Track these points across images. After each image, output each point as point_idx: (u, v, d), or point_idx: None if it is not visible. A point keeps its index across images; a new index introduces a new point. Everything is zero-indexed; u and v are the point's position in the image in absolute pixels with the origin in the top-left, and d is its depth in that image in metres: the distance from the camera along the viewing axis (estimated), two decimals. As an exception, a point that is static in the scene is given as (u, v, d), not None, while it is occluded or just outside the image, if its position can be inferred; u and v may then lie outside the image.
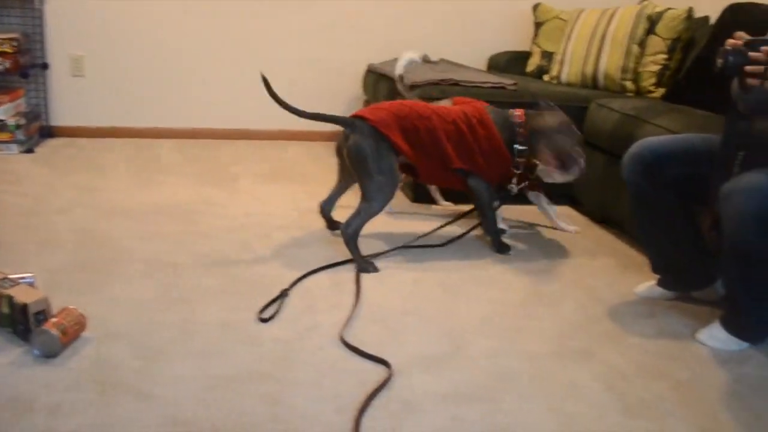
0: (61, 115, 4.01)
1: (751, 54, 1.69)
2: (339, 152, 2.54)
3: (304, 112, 2.34)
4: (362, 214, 2.38)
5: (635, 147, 2.11)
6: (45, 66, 3.90)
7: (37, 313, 1.74)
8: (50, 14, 3.84)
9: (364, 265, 2.34)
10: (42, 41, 3.86)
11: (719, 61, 1.73)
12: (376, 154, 2.36)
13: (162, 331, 1.84)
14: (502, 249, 2.59)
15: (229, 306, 2.01)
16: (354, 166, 2.40)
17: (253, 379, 1.64)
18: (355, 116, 2.43)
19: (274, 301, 2.06)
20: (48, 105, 3.95)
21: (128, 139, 4.08)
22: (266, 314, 1.97)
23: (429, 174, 2.55)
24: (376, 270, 2.34)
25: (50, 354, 1.67)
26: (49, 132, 3.97)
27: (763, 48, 1.68)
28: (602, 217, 3.04)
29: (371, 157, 2.36)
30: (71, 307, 1.77)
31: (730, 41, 1.76)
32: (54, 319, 1.70)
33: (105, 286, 2.09)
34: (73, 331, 1.72)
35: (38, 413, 1.45)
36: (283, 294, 2.10)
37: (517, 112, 2.59)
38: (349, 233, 2.37)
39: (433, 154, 2.46)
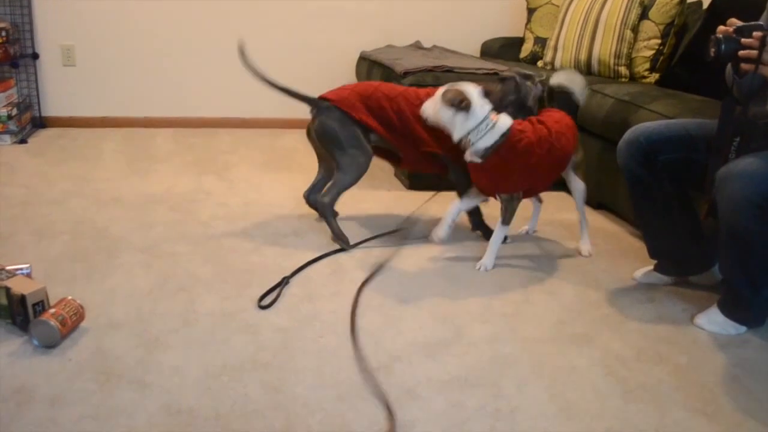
0: (52, 105, 3.98)
1: (743, 40, 1.69)
2: (309, 134, 2.56)
3: (275, 83, 2.38)
4: (338, 185, 2.43)
5: (630, 133, 2.12)
6: (35, 56, 3.86)
7: (36, 304, 1.74)
8: (39, 3, 3.80)
9: (339, 235, 2.42)
10: (31, 31, 3.82)
11: (712, 50, 1.74)
12: (343, 130, 2.40)
13: (162, 320, 1.83)
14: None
15: (229, 295, 2.00)
16: (324, 145, 2.43)
17: (254, 368, 1.64)
18: (320, 97, 2.46)
19: (274, 288, 2.06)
20: (39, 95, 3.92)
21: (121, 128, 4.05)
22: (266, 301, 1.97)
23: (409, 159, 2.53)
24: (348, 245, 2.41)
25: (50, 345, 1.66)
26: (41, 122, 3.94)
27: (756, 33, 1.69)
28: (599, 203, 3.05)
29: (339, 133, 2.40)
30: (69, 297, 1.76)
31: (721, 28, 1.76)
32: (52, 310, 1.69)
33: (103, 276, 2.08)
34: (72, 322, 1.71)
35: (39, 403, 1.45)
36: (284, 281, 2.10)
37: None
38: (326, 202, 2.43)
39: (407, 136, 2.45)
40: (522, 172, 2.26)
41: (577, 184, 2.48)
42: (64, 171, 3.13)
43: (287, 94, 2.43)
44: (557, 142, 2.31)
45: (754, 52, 1.68)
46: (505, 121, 2.21)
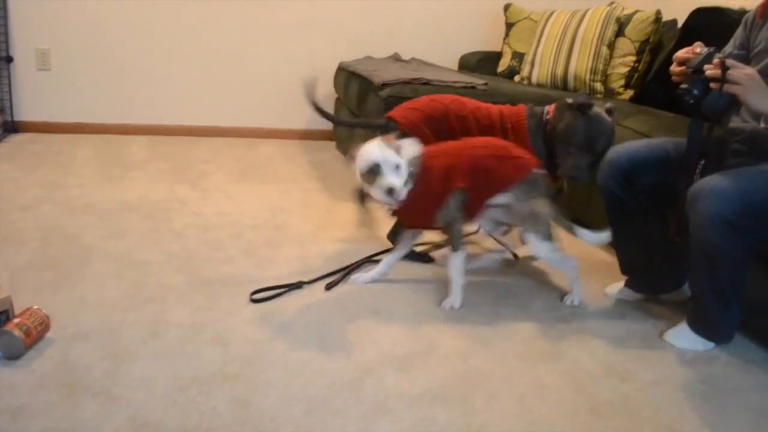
0: (26, 109, 3.93)
1: (709, 73, 1.75)
2: None
3: (342, 120, 2.28)
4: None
5: (612, 153, 2.12)
6: (9, 59, 3.81)
7: (0, 314, 1.71)
8: (15, 6, 3.76)
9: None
10: (6, 33, 3.78)
11: (688, 100, 1.80)
12: None
13: (130, 331, 1.81)
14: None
15: (200, 306, 1.98)
16: None
17: (224, 381, 1.62)
18: (389, 117, 2.31)
19: (281, 288, 2.11)
20: (12, 99, 3.87)
21: (96, 135, 4.01)
22: (259, 298, 2.03)
23: None
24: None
25: (13, 356, 1.64)
26: (13, 127, 3.89)
27: (715, 61, 1.75)
28: (573, 217, 3.05)
29: None
30: (35, 307, 1.74)
31: (675, 70, 1.85)
32: (17, 320, 1.67)
33: (71, 285, 2.05)
34: (37, 332, 1.68)
35: (1, 416, 1.42)
36: (298, 285, 2.15)
37: (549, 109, 2.32)
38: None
39: None
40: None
41: (533, 248, 2.19)
42: (35, 177, 3.09)
43: (357, 126, 2.31)
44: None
45: (718, 72, 1.73)
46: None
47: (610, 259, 2.61)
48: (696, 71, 1.77)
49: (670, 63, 1.92)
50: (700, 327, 1.98)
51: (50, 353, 1.67)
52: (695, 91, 1.77)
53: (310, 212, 2.89)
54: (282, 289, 2.10)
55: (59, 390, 1.53)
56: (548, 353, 1.89)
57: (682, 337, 1.99)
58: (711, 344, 1.98)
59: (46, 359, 1.64)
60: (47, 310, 1.75)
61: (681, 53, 1.85)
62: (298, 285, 2.15)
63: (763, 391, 1.79)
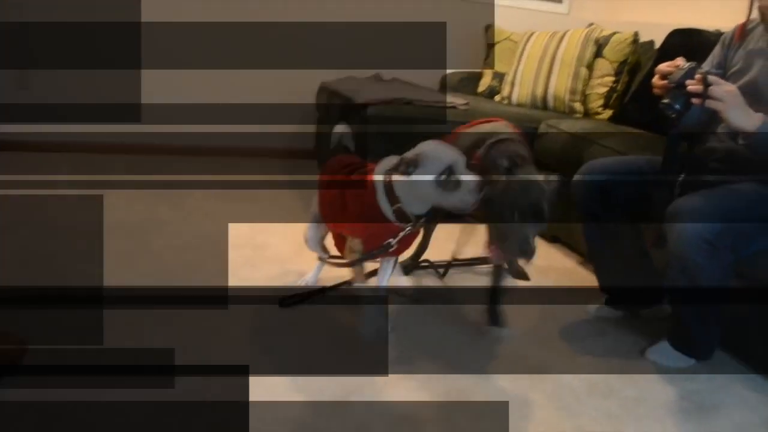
0: (4, 127, 3.88)
1: (691, 88, 1.76)
2: None
3: None
4: None
5: (585, 169, 2.15)
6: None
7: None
8: None
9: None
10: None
11: (670, 114, 1.81)
12: None
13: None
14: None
15: (179, 328, 1.96)
16: None
17: (204, 402, 1.60)
18: None
19: (307, 295, 2.19)
20: (-9, 119, 3.83)
21: (75, 153, 3.97)
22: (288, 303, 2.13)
23: None
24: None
25: None
26: (-9, 147, 3.85)
27: (697, 76, 1.76)
28: (553, 237, 3.08)
29: None
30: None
31: (657, 83, 1.86)
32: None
33: (48, 308, 2.02)
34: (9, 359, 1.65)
35: None
36: (322, 291, 2.24)
37: None
38: None
39: None
40: None
41: None
42: (14, 197, 3.05)
43: None
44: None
45: (700, 87, 1.74)
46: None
47: (592, 278, 2.62)
48: (678, 86, 1.79)
49: (649, 83, 1.93)
50: (681, 344, 1.99)
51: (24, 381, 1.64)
52: (677, 106, 1.78)
53: (291, 231, 2.88)
54: (306, 296, 2.20)
55: (32, 420, 1.50)
56: (531, 370, 1.89)
57: (663, 354, 2.00)
58: (692, 361, 2.00)
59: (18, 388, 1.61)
60: (23, 333, 1.72)
61: (663, 66, 1.86)
62: (321, 290, 2.25)
63: (744, 408, 1.81)
